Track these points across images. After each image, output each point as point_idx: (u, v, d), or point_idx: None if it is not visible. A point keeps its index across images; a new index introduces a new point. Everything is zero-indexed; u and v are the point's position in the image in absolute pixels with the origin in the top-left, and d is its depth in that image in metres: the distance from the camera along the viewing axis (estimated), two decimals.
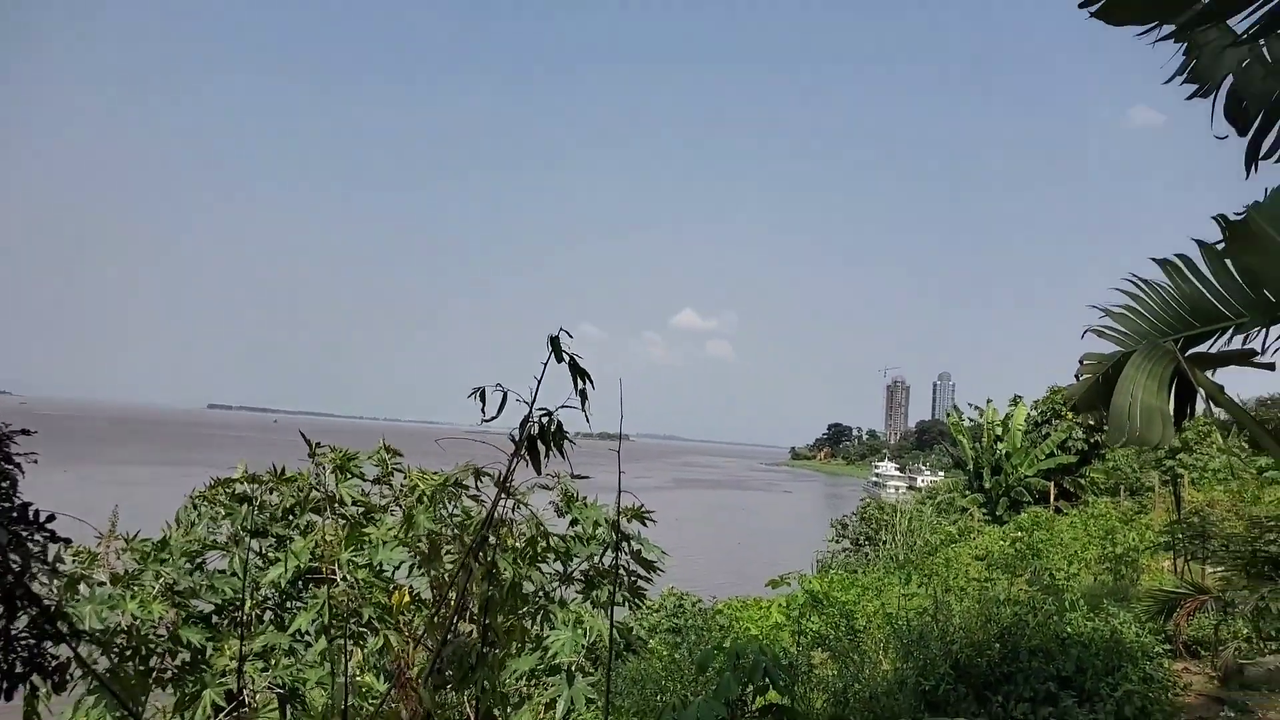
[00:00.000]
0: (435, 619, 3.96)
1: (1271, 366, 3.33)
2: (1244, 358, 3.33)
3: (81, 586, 5.20)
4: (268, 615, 6.42)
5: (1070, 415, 30.04)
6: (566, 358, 3.39)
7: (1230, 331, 3.51)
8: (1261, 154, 3.43)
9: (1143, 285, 3.72)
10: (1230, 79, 3.45)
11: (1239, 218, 3.50)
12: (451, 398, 3.34)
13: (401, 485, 6.88)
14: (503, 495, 3.64)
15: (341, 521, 6.49)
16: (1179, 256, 3.61)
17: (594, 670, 6.05)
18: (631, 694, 6.57)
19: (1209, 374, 3.60)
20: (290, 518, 6.64)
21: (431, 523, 6.07)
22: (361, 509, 6.79)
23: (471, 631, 3.93)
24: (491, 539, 3.58)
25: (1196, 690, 8.85)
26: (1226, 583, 10.16)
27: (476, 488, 6.00)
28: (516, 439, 3.37)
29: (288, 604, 6.45)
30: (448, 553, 5.82)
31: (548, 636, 6.33)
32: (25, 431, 2.74)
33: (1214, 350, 3.60)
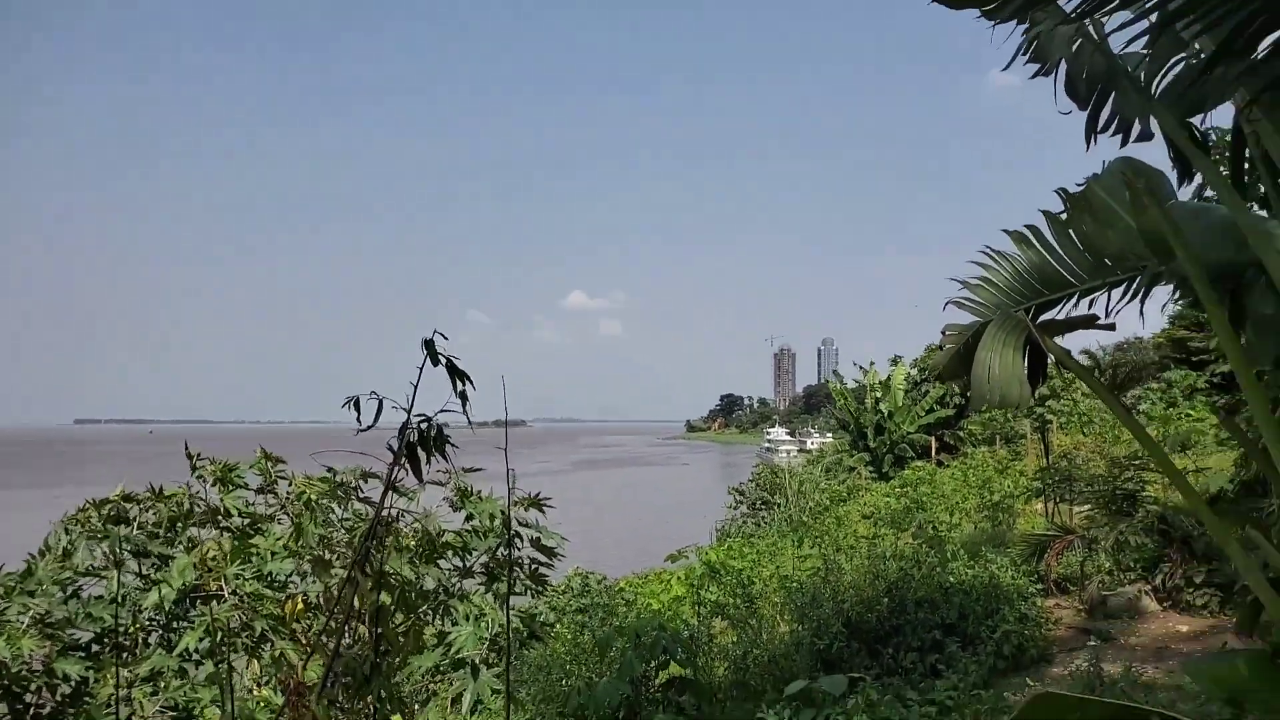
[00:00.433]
0: (325, 632, 3.90)
1: (1112, 327, 3.62)
2: (1087, 321, 3.59)
3: None
4: (154, 638, 6.21)
5: None
6: (443, 360, 3.36)
7: (1076, 297, 3.76)
8: (1099, 128, 3.65)
9: (996, 256, 3.95)
10: (1067, 57, 3.68)
11: (1079, 189, 3.75)
12: (341, 396, 3.26)
13: (288, 493, 6.73)
14: (388, 502, 3.60)
15: (227, 534, 6.32)
16: (1028, 227, 3.84)
17: (499, 661, 6.07)
18: (537, 681, 6.63)
19: (1060, 338, 3.88)
20: (171, 534, 6.42)
21: (321, 529, 5.97)
22: (247, 520, 6.61)
23: (364, 641, 3.90)
24: (376, 547, 3.54)
25: (1066, 624, 9.51)
26: (1090, 521, 10.88)
27: (360, 491, 5.94)
28: (395, 448, 3.34)
29: (175, 624, 6.25)
30: (339, 556, 5.73)
31: (450, 632, 6.33)
32: None
33: (1062, 316, 3.85)
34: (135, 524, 6.34)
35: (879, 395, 34.84)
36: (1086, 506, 12.26)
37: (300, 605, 5.51)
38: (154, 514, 6.42)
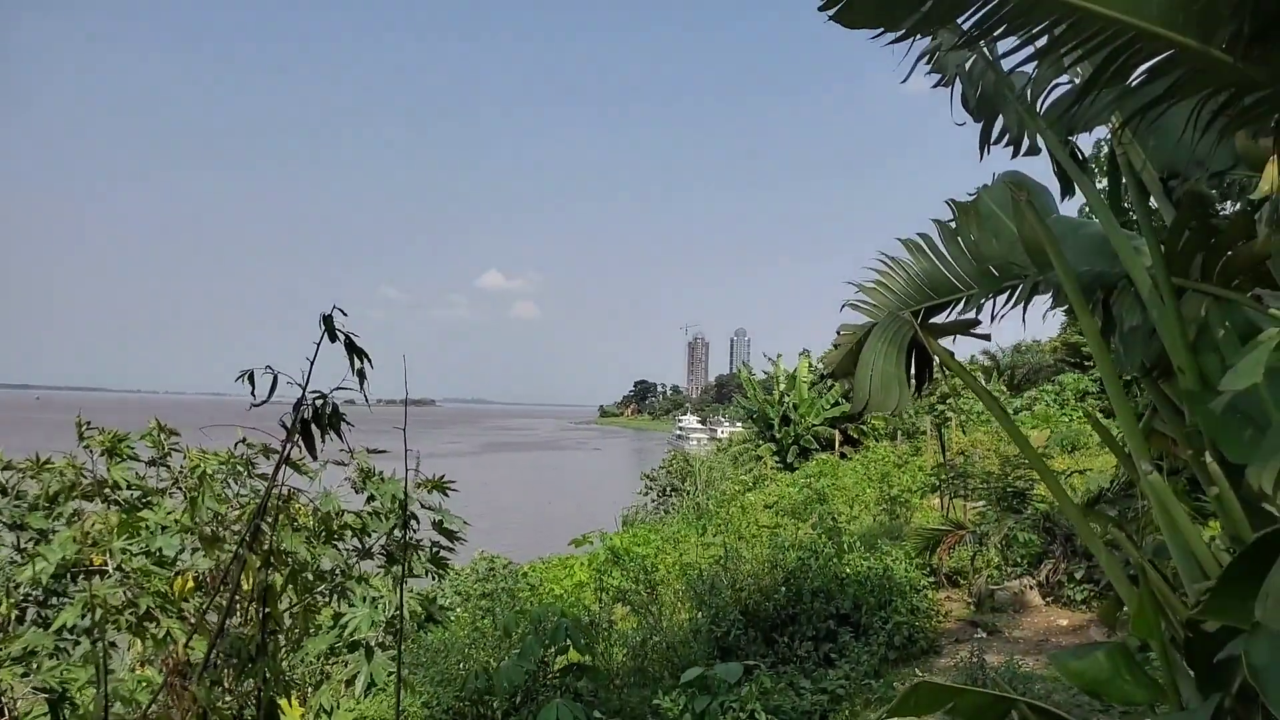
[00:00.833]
0: (209, 611, 3.81)
1: (987, 337, 3.80)
2: (965, 327, 3.75)
3: None
4: (30, 614, 5.95)
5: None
6: (341, 337, 3.32)
7: (963, 303, 3.92)
8: (992, 140, 3.79)
9: (890, 262, 4.09)
10: (967, 67, 3.81)
11: (970, 198, 3.90)
12: (241, 368, 3.17)
13: (181, 466, 6.53)
14: (280, 479, 3.53)
15: (115, 508, 6.09)
16: (921, 236, 4.01)
17: (395, 644, 6.02)
18: (435, 664, 6.60)
19: (951, 340, 4.04)
20: (53, 507, 6.16)
21: (215, 504, 5.81)
22: (137, 493, 6.39)
23: (253, 620, 3.82)
24: (267, 525, 3.47)
25: (956, 616, 9.87)
26: (982, 517, 11.31)
27: (256, 467, 5.81)
28: (289, 424, 3.28)
29: (53, 601, 5.99)
30: (231, 533, 5.59)
31: (346, 614, 6.24)
32: None
33: (948, 320, 4.01)
34: (14, 494, 6.06)
35: (785, 387, 35.34)
36: (980, 503, 12.71)
37: (190, 583, 5.37)
38: (38, 484, 6.16)
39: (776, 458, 32.85)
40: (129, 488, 6.32)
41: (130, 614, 5.37)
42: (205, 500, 5.66)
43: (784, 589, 8.58)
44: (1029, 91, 3.31)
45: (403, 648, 5.44)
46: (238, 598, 3.69)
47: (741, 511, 15.82)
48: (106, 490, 6.24)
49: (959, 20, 2.45)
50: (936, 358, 3.72)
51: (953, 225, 3.92)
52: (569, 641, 6.26)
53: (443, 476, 5.82)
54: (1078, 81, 3.05)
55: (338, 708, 5.85)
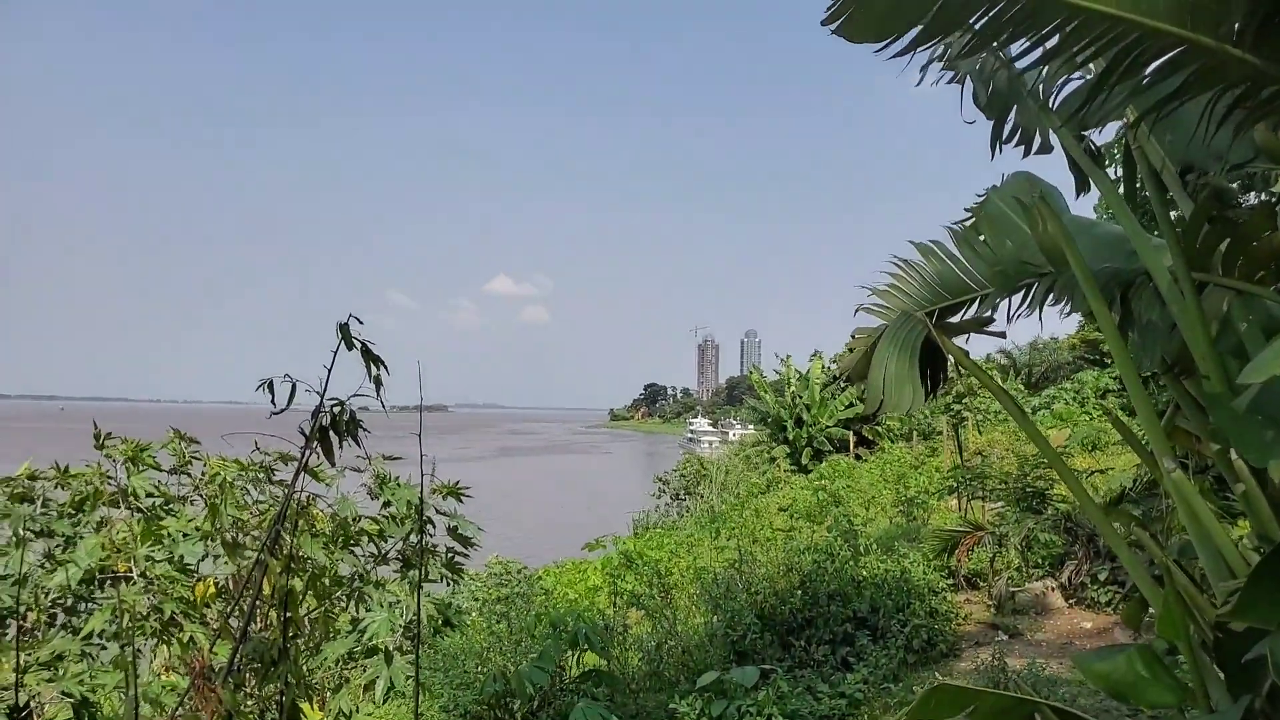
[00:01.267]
0: (232, 615, 3.83)
1: (1002, 334, 3.77)
2: (979, 325, 3.73)
3: None
4: (59, 620, 6.01)
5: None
6: (358, 345, 3.34)
7: (977, 303, 3.90)
8: (1004, 138, 3.77)
9: (903, 264, 4.07)
10: (976, 68, 3.79)
11: (980, 199, 3.88)
12: (256, 376, 3.20)
13: (202, 474, 6.58)
14: (299, 486, 3.55)
15: (137, 516, 6.14)
16: (933, 242, 4.00)
17: (413, 648, 6.03)
18: (453, 668, 6.60)
19: (965, 339, 4.01)
20: (79, 515, 6.21)
21: (235, 511, 5.86)
22: (159, 501, 6.44)
23: (274, 625, 3.85)
24: (287, 531, 3.49)
25: (975, 619, 9.77)
26: (1000, 518, 11.18)
27: (274, 474, 5.84)
28: (307, 431, 3.29)
29: (80, 607, 6.05)
30: (251, 539, 5.63)
31: (364, 619, 6.26)
32: None
33: (962, 319, 3.98)
34: (41, 503, 6.12)
35: (796, 389, 35.17)
36: (998, 503, 12.58)
37: (212, 589, 5.41)
38: (66, 492, 6.22)
39: (790, 460, 32.71)
40: (148, 496, 6.37)
41: (155, 619, 5.42)
42: (226, 507, 5.70)
43: (800, 592, 8.52)
44: (1041, 88, 3.29)
45: (420, 652, 5.44)
46: (259, 603, 3.71)
47: (755, 515, 15.75)
48: (130, 498, 6.29)
49: (965, 27, 2.44)
50: (951, 357, 3.69)
51: (964, 227, 3.90)
52: (585, 645, 6.25)
53: (457, 482, 5.84)
54: (1090, 77, 3.03)
55: (357, 711, 5.88)
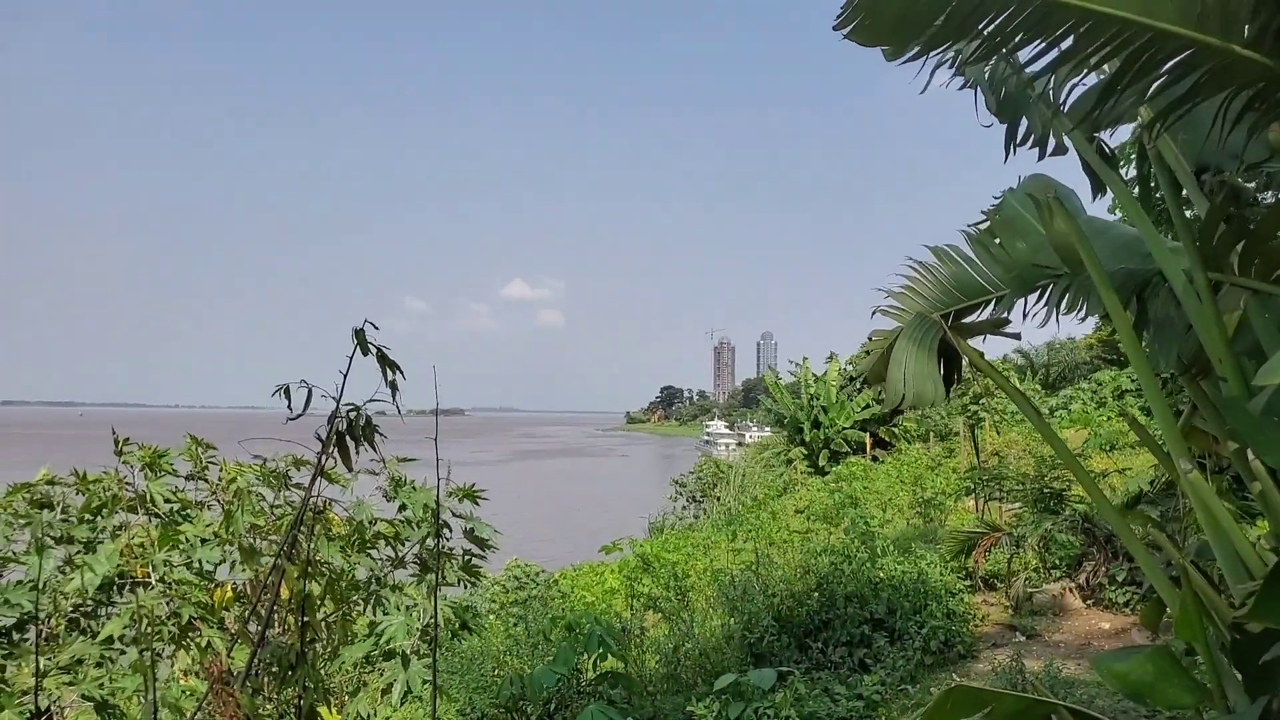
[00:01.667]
0: (249, 620, 3.87)
1: (1018, 336, 3.77)
2: (994, 326, 3.72)
3: None
4: (80, 624, 6.06)
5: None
6: (373, 350, 3.36)
7: (992, 304, 3.89)
8: (1018, 140, 3.76)
9: (918, 267, 4.07)
10: (986, 73, 3.78)
11: (997, 201, 3.88)
12: (274, 382, 3.23)
13: (219, 479, 6.62)
14: (315, 491, 3.58)
15: (155, 521, 6.19)
16: (949, 246, 4.00)
17: (430, 652, 6.05)
18: (470, 672, 6.63)
19: (982, 339, 4.00)
20: (96, 519, 6.27)
21: (252, 516, 5.89)
22: (176, 506, 6.49)
23: (292, 629, 3.88)
24: (304, 536, 3.52)
25: (993, 620, 9.73)
26: (1018, 519, 11.14)
27: (291, 479, 5.86)
28: (324, 436, 3.32)
29: (100, 611, 6.11)
30: (268, 544, 5.67)
31: (381, 622, 6.28)
32: None
33: (977, 321, 3.98)
34: (60, 509, 6.18)
35: (812, 391, 35.11)
36: (1016, 504, 12.51)
37: (230, 594, 5.45)
38: (83, 497, 6.27)
39: (807, 462, 32.65)
40: (165, 501, 6.41)
41: (173, 624, 5.46)
42: (241, 513, 5.73)
43: (817, 594, 8.51)
44: (1051, 92, 3.28)
45: (438, 655, 5.47)
46: (277, 607, 3.74)
47: (772, 517, 15.73)
48: (147, 504, 6.34)
49: (975, 32, 2.44)
50: (965, 358, 3.69)
51: (979, 230, 3.90)
52: (605, 648, 6.26)
53: (473, 485, 5.84)
54: (1101, 79, 3.02)
55: (375, 715, 5.89)
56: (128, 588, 5.83)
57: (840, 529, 12.42)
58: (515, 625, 7.64)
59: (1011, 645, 8.56)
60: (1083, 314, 3.36)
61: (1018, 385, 22.88)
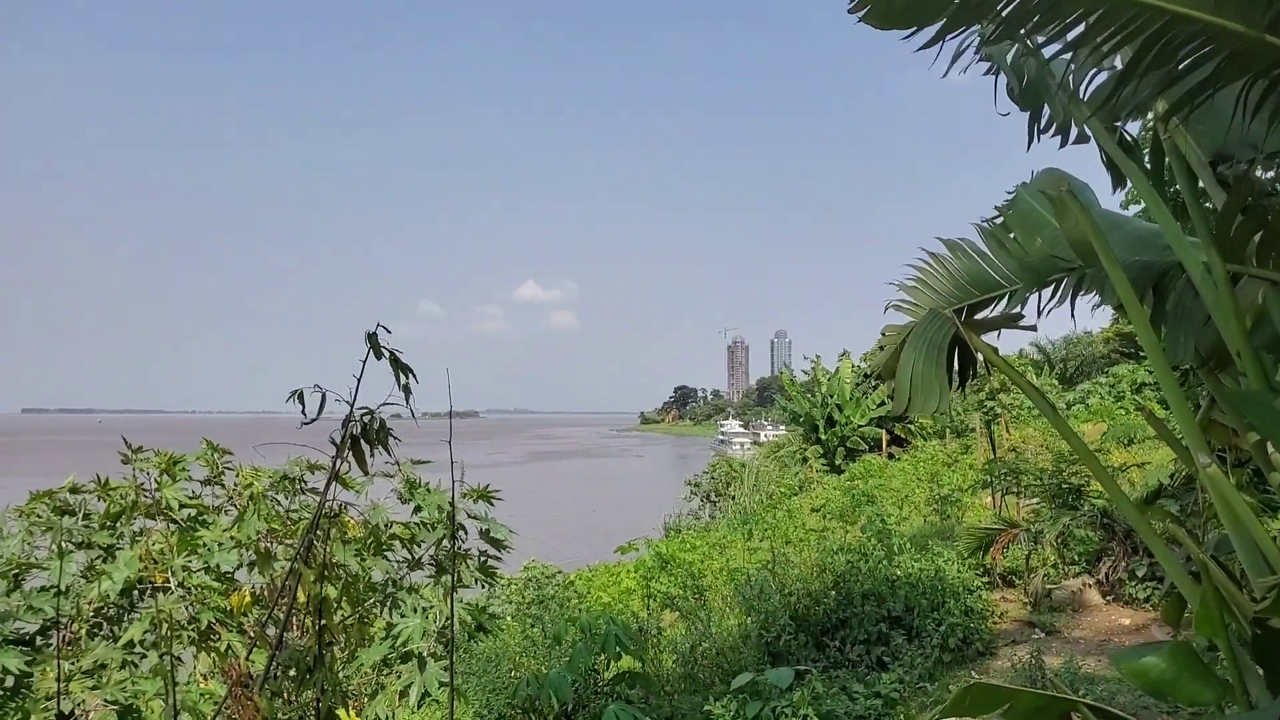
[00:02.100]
0: (267, 624, 3.89)
1: (1033, 329, 3.73)
2: (1009, 321, 3.69)
3: None
4: (103, 629, 6.11)
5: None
6: (386, 354, 3.37)
7: (1007, 298, 3.86)
8: (1041, 128, 3.72)
9: (931, 258, 4.04)
10: (1008, 59, 3.75)
11: (1010, 195, 3.84)
12: (289, 387, 3.25)
13: (235, 484, 6.66)
14: (331, 495, 3.59)
15: (172, 527, 6.23)
16: (961, 239, 3.96)
17: (447, 654, 6.07)
18: (486, 673, 6.63)
19: (996, 335, 3.97)
20: (117, 525, 6.32)
21: (266, 521, 5.92)
22: (193, 512, 6.53)
23: (310, 632, 3.89)
24: (319, 540, 3.53)
25: (1012, 617, 9.67)
26: (1036, 515, 11.06)
27: (305, 483, 5.89)
28: (338, 440, 3.33)
29: (122, 616, 6.16)
30: (284, 548, 5.69)
31: (397, 624, 6.31)
32: None
33: (991, 316, 3.94)
34: (81, 515, 6.23)
35: (827, 389, 35.02)
36: (1034, 500, 12.42)
37: (248, 598, 5.48)
38: (105, 504, 6.32)
39: (823, 460, 32.55)
40: (181, 507, 6.46)
41: (193, 629, 5.50)
42: (254, 518, 5.76)
43: (833, 593, 8.48)
44: (1071, 79, 3.25)
45: (454, 657, 5.48)
46: (294, 611, 3.76)
47: (788, 515, 15.69)
48: (165, 510, 6.38)
49: (993, 14, 2.42)
50: (979, 354, 3.66)
51: (993, 224, 3.87)
52: (620, 649, 6.26)
53: (488, 486, 5.86)
54: (1119, 67, 2.99)
55: (393, 717, 5.92)
56: (148, 593, 5.88)
57: (857, 527, 12.37)
58: (533, 626, 7.64)
59: (1030, 642, 8.50)
60: (1098, 304, 3.33)
61: (1033, 380, 22.79)
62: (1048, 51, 2.86)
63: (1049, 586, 10.01)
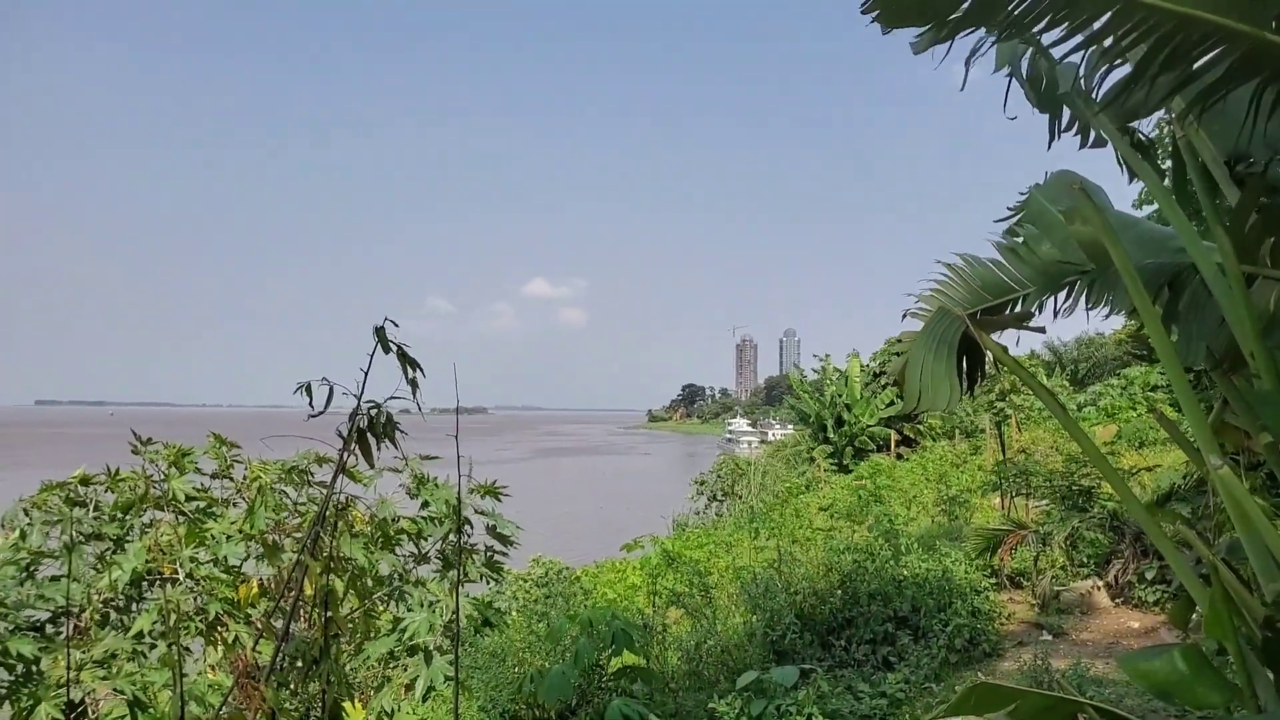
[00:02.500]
0: (274, 615, 3.89)
1: (1042, 330, 3.71)
2: (1019, 320, 3.67)
3: None
4: (112, 619, 6.15)
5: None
6: (393, 347, 3.37)
7: (1019, 302, 3.84)
8: (1062, 128, 3.69)
9: (948, 270, 4.03)
10: (1025, 60, 3.72)
11: (1023, 198, 3.82)
12: (299, 381, 3.25)
13: (244, 477, 6.69)
14: (338, 488, 3.59)
15: (181, 519, 6.26)
16: (973, 256, 3.96)
17: (453, 648, 6.08)
18: (491, 668, 6.64)
19: (1000, 334, 3.95)
20: (125, 517, 6.35)
21: (273, 513, 5.95)
22: (202, 504, 6.56)
23: (316, 624, 3.90)
24: (326, 532, 3.53)
25: (1019, 618, 9.63)
26: (1045, 516, 11.00)
27: (313, 476, 5.92)
28: (345, 434, 3.33)
29: (131, 607, 6.19)
30: (295, 541, 5.71)
31: (404, 618, 6.32)
32: None
33: (1002, 314, 3.93)
34: (92, 507, 6.26)
35: (835, 389, 34.97)
36: (1043, 501, 12.36)
37: (256, 589, 5.50)
38: (115, 496, 6.35)
39: (831, 460, 32.51)
40: (187, 500, 6.48)
41: (201, 619, 5.53)
42: (262, 510, 5.78)
43: (840, 592, 8.46)
44: (1083, 80, 3.23)
45: (460, 651, 5.49)
46: (301, 603, 3.76)
47: (795, 514, 15.67)
48: (174, 502, 6.41)
49: (1005, 14, 2.39)
50: (989, 353, 3.64)
51: (1006, 225, 3.85)
52: (623, 644, 6.26)
53: (495, 482, 5.87)
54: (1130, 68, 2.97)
55: (398, 710, 5.93)
56: (156, 584, 5.91)
57: (864, 527, 12.34)
58: (539, 622, 7.65)
59: (1038, 644, 8.46)
60: (1109, 312, 3.31)
61: (1044, 381, 22.67)
62: (1057, 53, 2.83)
63: (1057, 588, 9.95)
